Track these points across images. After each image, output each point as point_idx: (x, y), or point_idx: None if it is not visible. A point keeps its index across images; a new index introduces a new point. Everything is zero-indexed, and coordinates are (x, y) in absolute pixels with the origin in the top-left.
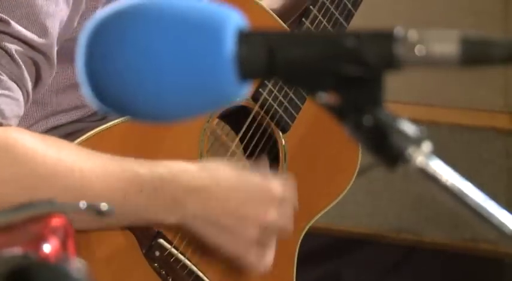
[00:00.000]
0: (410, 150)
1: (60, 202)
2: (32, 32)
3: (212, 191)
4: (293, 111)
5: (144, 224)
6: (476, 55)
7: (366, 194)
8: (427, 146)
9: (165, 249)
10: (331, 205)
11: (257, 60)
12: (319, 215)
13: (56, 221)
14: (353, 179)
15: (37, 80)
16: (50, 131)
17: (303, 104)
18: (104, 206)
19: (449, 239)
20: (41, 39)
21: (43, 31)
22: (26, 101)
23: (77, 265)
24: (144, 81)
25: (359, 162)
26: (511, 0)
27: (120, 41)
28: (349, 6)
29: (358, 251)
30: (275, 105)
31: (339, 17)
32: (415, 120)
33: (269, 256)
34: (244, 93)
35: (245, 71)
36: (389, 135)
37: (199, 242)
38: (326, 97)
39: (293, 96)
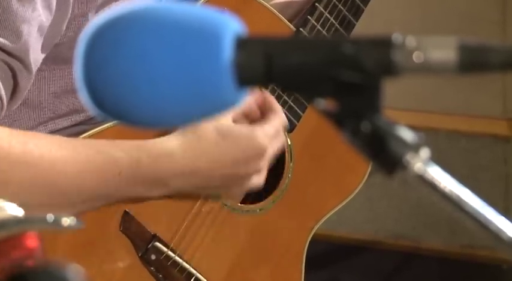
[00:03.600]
0: (409, 156)
1: (25, 217)
2: (5, 38)
3: (194, 167)
4: (298, 110)
5: (129, 200)
6: (474, 61)
7: (364, 201)
8: (425, 152)
9: (162, 252)
10: (341, 205)
11: (255, 67)
12: (329, 214)
13: (31, 243)
14: (364, 179)
15: (15, 85)
16: (52, 134)
17: (309, 103)
18: (72, 219)
19: (447, 246)
20: (14, 44)
21: (17, 36)
22: (1, 106)
23: (75, 270)
24: (140, 88)
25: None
26: (509, 6)
27: (116, 47)
28: (358, 1)
29: (356, 257)
30: (279, 105)
31: (347, 13)
32: (413, 127)
33: (263, 174)
34: (242, 100)
35: (243, 78)
36: (387, 141)
37: (201, 243)
38: (324, 103)
39: (298, 95)
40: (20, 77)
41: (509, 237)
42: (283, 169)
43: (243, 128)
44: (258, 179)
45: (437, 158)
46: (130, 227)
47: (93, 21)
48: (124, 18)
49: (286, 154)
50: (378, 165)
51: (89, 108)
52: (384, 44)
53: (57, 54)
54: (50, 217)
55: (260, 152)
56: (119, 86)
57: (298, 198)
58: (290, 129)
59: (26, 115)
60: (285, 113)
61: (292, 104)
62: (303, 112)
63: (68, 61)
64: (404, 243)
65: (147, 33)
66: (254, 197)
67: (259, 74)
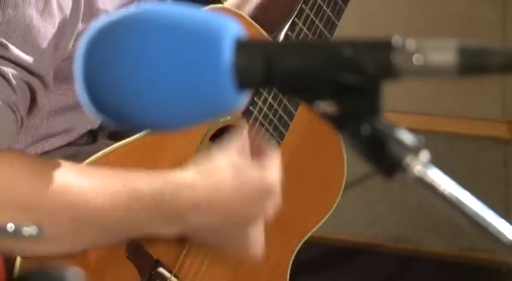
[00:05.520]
0: (408, 159)
1: None
2: (29, 55)
3: (212, 200)
4: (283, 130)
5: (144, 236)
6: (474, 64)
7: (364, 204)
8: (425, 155)
9: (165, 278)
10: (320, 224)
11: (255, 70)
12: (309, 234)
13: None
14: (339, 197)
15: (32, 105)
16: (43, 154)
17: (291, 120)
18: (33, 228)
19: (447, 248)
20: (37, 61)
21: (40, 54)
22: (20, 126)
23: (75, 273)
24: (141, 91)
25: (344, 179)
26: (509, 8)
27: (117, 50)
28: (340, 1)
29: (356, 260)
30: (266, 124)
31: (330, 14)
32: (413, 130)
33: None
34: (241, 102)
35: (243, 81)
36: (387, 144)
37: (199, 267)
38: (324, 106)
39: (282, 113)
40: (38, 96)
41: (509, 240)
42: None
43: (254, 169)
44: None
45: (437, 161)
46: (135, 253)
47: (93, 25)
48: (125, 21)
49: None
50: (378, 168)
51: (90, 111)
52: (383, 47)
53: (56, 72)
54: (11, 226)
55: (269, 194)
56: (119, 88)
57: (282, 218)
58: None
59: (21, 135)
60: (271, 132)
61: (277, 123)
62: (286, 130)
63: (65, 79)
64: (404, 246)
65: (148, 35)
66: None
67: (259, 76)
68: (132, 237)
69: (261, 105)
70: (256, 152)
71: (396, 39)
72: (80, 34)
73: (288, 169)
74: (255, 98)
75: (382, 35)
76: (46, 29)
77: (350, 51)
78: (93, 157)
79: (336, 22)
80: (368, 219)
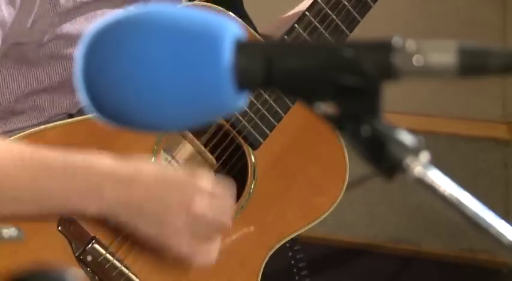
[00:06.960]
0: (408, 160)
1: None
2: None
3: (133, 180)
4: (265, 129)
5: (66, 213)
6: (474, 65)
7: (364, 204)
8: (424, 156)
9: (100, 254)
10: (307, 228)
11: (255, 71)
12: (291, 236)
13: None
14: (335, 204)
15: None
16: (10, 132)
17: (277, 121)
18: (13, 231)
19: (447, 249)
20: None
21: None
22: None
23: (74, 274)
24: (141, 92)
25: (342, 191)
26: (509, 9)
27: (117, 51)
28: (354, 13)
29: (355, 261)
30: (243, 121)
31: (339, 23)
32: (413, 131)
33: (213, 251)
34: (241, 103)
35: (243, 82)
36: (387, 145)
37: (140, 249)
38: (324, 107)
39: (266, 113)
40: None
41: (509, 241)
42: (244, 185)
43: (182, 174)
44: (209, 248)
45: (437, 162)
46: (68, 228)
47: (94, 25)
48: (126, 22)
49: (250, 172)
50: (378, 169)
51: (89, 111)
52: (383, 48)
53: (21, 55)
54: None
55: (197, 189)
56: (119, 88)
57: (258, 216)
58: (255, 146)
59: None
60: (249, 130)
61: (258, 121)
62: (270, 131)
63: (32, 64)
64: (404, 247)
65: (148, 36)
66: None
67: (258, 77)
68: (51, 211)
69: None
70: None
71: (396, 40)
72: (40, 18)
73: (275, 167)
74: None
75: (382, 36)
76: None
77: (350, 52)
78: (27, 132)
79: (347, 32)
80: (368, 220)
